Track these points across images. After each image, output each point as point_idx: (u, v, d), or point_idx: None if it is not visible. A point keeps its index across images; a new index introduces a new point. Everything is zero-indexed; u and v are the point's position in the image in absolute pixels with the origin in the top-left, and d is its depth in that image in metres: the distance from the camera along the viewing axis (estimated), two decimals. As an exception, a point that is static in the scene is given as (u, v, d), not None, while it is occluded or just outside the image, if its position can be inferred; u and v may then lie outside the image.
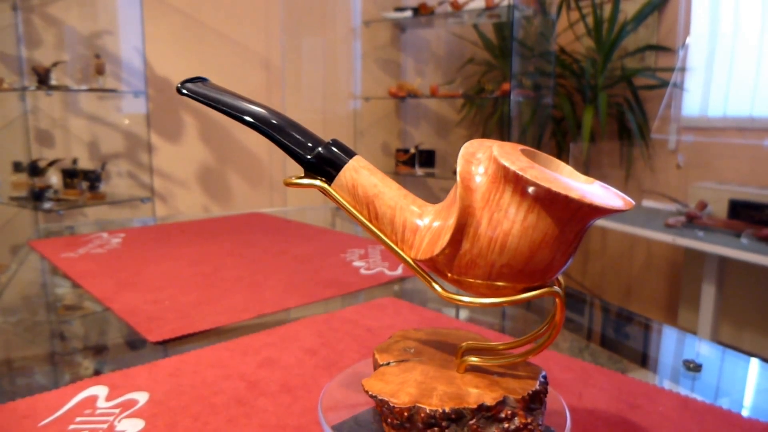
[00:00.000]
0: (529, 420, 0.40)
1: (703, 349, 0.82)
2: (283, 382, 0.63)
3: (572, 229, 0.39)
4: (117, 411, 0.57)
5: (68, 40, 2.50)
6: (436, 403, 0.40)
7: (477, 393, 0.41)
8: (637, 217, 2.45)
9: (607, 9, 2.88)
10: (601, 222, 2.43)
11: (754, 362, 0.73)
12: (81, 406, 0.58)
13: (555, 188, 0.37)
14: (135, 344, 0.76)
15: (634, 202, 0.39)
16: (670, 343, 0.85)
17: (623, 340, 0.85)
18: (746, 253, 1.91)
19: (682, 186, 2.68)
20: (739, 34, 2.54)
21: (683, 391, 0.62)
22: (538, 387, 0.42)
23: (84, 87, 2.46)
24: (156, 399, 0.60)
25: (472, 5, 2.93)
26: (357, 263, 1.12)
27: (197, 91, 0.51)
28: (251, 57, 2.93)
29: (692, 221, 2.25)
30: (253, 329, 0.79)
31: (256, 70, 2.96)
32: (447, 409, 0.39)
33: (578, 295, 1.06)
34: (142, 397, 0.60)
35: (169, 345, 0.75)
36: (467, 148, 0.42)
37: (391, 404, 0.41)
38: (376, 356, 0.49)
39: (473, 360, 0.44)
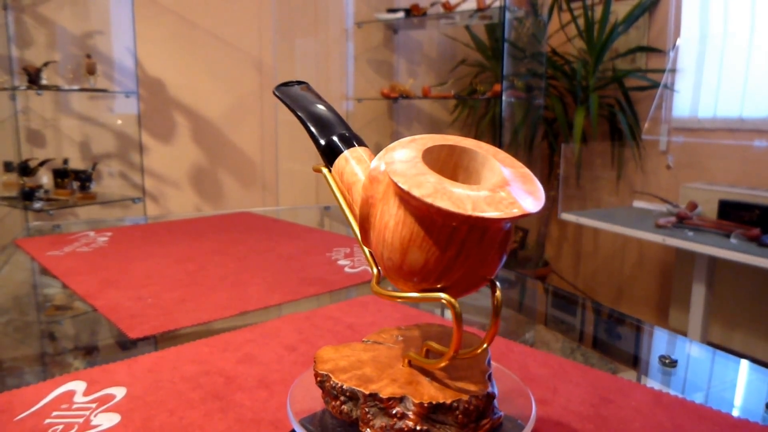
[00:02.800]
0: (419, 427, 0.40)
1: (687, 348, 0.82)
2: (260, 378, 0.63)
3: (442, 233, 0.37)
4: (94, 406, 0.57)
5: (59, 40, 2.49)
6: (343, 379, 0.42)
7: (383, 384, 0.42)
8: (629, 218, 2.46)
9: (598, 11, 2.89)
10: (591, 222, 2.44)
11: (729, 358, 0.73)
12: (58, 401, 0.58)
13: (402, 183, 0.36)
14: (116, 341, 0.77)
15: (529, 211, 0.36)
16: (655, 342, 0.86)
17: (613, 341, 0.85)
18: (736, 253, 1.91)
19: (673, 187, 2.69)
20: (729, 35, 2.55)
21: (657, 386, 0.62)
22: (447, 402, 0.40)
23: (75, 87, 2.46)
24: (133, 394, 0.60)
25: (463, 6, 2.94)
26: (342, 262, 1.12)
27: (284, 91, 0.55)
28: (244, 58, 2.93)
29: (683, 222, 2.26)
30: (235, 326, 0.79)
31: (248, 71, 2.96)
32: (345, 386, 0.42)
33: (570, 297, 1.07)
34: (119, 392, 0.60)
35: (150, 341, 0.75)
36: (401, 142, 0.43)
37: (314, 368, 0.45)
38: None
39: (412, 356, 0.44)
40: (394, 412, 0.40)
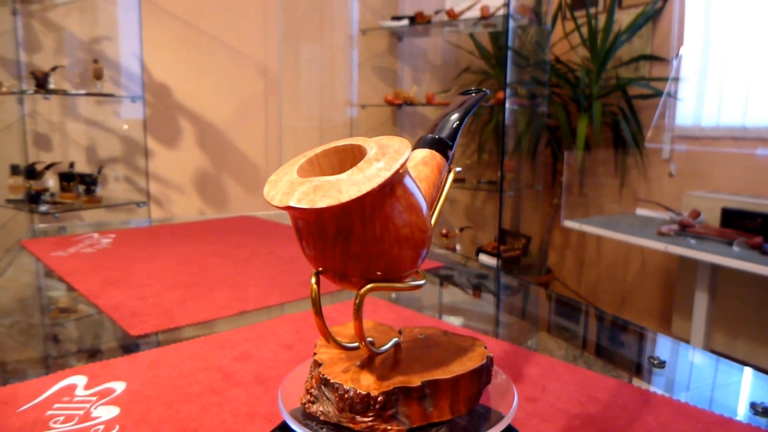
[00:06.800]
0: (312, 390, 0.45)
1: (681, 352, 0.83)
2: (257, 374, 0.65)
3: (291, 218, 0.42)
4: (94, 399, 0.59)
5: (67, 45, 2.53)
6: (318, 345, 0.49)
7: (329, 351, 0.48)
8: (631, 226, 2.47)
9: (602, 19, 2.91)
10: (594, 229, 2.45)
11: (722, 361, 0.74)
12: (60, 394, 0.60)
13: (273, 174, 0.41)
14: (117, 338, 0.78)
15: (295, 206, 0.37)
16: (658, 350, 0.87)
17: (616, 348, 0.86)
18: (738, 261, 1.92)
19: (676, 194, 2.70)
20: (733, 44, 2.56)
21: (644, 386, 0.63)
22: (331, 380, 0.43)
23: (82, 91, 2.49)
24: (133, 388, 0.61)
25: (468, 14, 2.96)
26: (342, 264, 1.13)
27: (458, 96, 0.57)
28: (249, 64, 2.96)
29: (685, 229, 2.27)
30: (234, 326, 0.81)
31: (253, 77, 2.99)
32: (316, 351, 0.48)
33: (573, 304, 1.08)
34: (119, 387, 0.62)
35: (150, 339, 0.77)
36: (332, 143, 0.46)
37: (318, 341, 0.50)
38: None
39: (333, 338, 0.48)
40: (311, 372, 0.46)
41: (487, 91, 0.57)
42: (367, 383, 0.43)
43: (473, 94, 0.56)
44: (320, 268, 0.43)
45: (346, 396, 0.42)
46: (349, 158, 0.43)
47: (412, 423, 0.42)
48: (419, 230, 0.42)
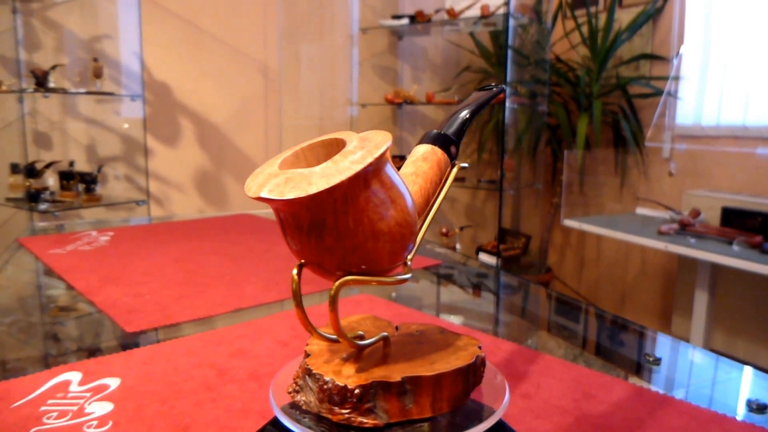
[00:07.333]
0: (297, 380, 0.46)
1: (679, 350, 0.83)
2: (252, 371, 0.65)
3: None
4: (88, 395, 0.59)
5: (67, 44, 2.53)
6: (315, 335, 0.48)
7: (320, 341, 0.48)
8: (631, 225, 2.46)
9: (602, 18, 2.90)
10: (594, 228, 2.44)
11: (720, 359, 0.74)
12: (54, 390, 0.60)
13: (261, 166, 0.43)
14: (113, 335, 0.78)
15: (263, 196, 0.38)
16: (658, 348, 0.86)
17: (616, 347, 0.85)
18: (738, 260, 1.91)
19: (676, 194, 2.69)
20: (733, 43, 2.56)
21: (641, 384, 0.63)
22: (314, 370, 0.44)
23: (82, 90, 2.49)
24: (127, 384, 0.61)
25: (468, 13, 2.96)
26: (339, 262, 1.13)
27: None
28: (249, 63, 2.96)
29: (685, 228, 2.26)
30: (230, 323, 0.81)
31: (253, 76, 2.99)
32: (309, 343, 0.49)
33: (573, 303, 1.07)
34: (113, 383, 0.62)
35: (146, 336, 0.77)
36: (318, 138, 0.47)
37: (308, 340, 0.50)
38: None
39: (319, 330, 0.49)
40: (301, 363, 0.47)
41: (504, 87, 0.56)
42: (347, 375, 0.43)
43: (494, 89, 0.55)
44: (302, 261, 0.43)
45: (326, 387, 0.42)
46: (334, 152, 0.43)
47: (390, 418, 0.42)
48: (398, 224, 0.42)
